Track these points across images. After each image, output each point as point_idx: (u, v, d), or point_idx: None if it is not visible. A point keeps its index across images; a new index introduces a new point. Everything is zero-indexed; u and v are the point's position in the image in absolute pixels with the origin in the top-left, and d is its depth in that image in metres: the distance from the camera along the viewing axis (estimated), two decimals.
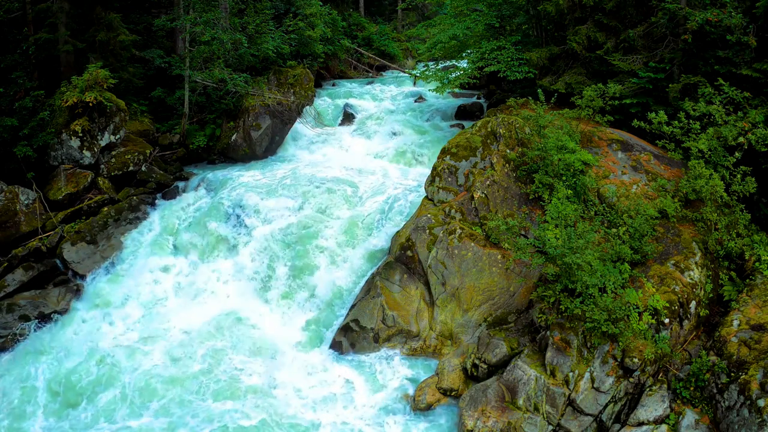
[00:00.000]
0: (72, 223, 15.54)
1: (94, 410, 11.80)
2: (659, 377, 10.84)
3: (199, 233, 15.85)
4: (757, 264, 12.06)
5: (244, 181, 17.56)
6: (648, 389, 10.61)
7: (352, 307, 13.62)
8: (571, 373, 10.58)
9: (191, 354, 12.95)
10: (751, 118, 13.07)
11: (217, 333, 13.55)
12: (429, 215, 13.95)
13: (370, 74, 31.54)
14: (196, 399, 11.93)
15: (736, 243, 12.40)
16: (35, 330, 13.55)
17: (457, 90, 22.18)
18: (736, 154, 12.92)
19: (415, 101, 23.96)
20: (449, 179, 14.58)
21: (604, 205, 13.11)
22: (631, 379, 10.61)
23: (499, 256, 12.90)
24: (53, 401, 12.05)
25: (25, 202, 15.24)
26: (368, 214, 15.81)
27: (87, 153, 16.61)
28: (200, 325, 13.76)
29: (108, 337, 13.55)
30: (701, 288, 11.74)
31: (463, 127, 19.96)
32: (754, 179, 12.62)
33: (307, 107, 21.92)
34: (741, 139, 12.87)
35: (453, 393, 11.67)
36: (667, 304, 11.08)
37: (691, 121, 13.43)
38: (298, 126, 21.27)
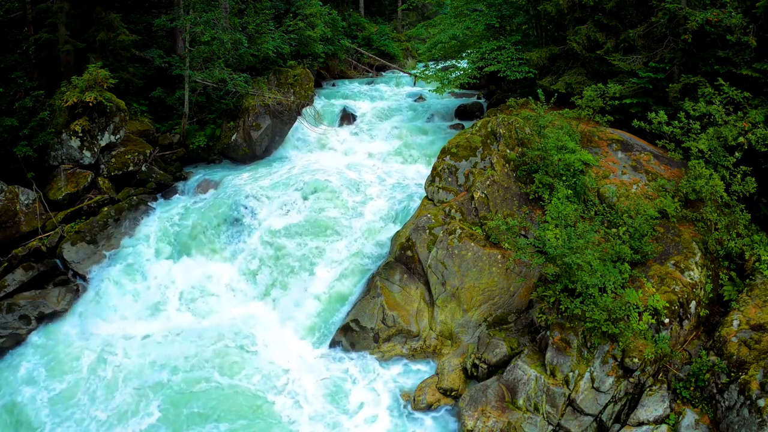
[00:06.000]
0: (72, 223, 15.54)
1: None
2: (659, 377, 10.83)
3: (199, 234, 15.82)
4: (757, 264, 12.05)
5: (243, 181, 17.57)
6: (648, 389, 10.61)
7: (352, 307, 13.61)
8: (571, 373, 10.58)
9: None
10: (751, 118, 13.06)
11: (216, 334, 13.54)
12: (429, 215, 13.94)
13: (370, 74, 31.51)
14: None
15: (736, 243, 12.39)
16: None
17: (457, 90, 22.18)
18: (736, 154, 12.91)
19: (415, 101, 23.96)
20: (449, 179, 14.58)
21: (604, 205, 13.11)
22: (631, 379, 10.60)
23: (499, 256, 12.90)
24: None
25: (25, 202, 15.24)
26: (368, 214, 15.81)
27: (87, 153, 16.61)
28: (199, 327, 13.77)
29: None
30: (701, 288, 11.74)
31: (463, 127, 19.95)
32: (754, 179, 12.62)
33: (307, 107, 21.90)
34: (741, 139, 12.86)
35: (453, 393, 11.66)
36: (667, 304, 11.08)
37: (691, 121, 13.42)
38: (298, 126, 21.27)
